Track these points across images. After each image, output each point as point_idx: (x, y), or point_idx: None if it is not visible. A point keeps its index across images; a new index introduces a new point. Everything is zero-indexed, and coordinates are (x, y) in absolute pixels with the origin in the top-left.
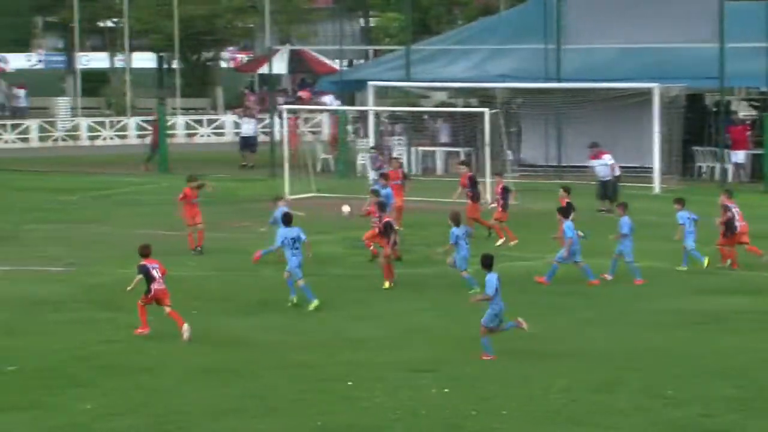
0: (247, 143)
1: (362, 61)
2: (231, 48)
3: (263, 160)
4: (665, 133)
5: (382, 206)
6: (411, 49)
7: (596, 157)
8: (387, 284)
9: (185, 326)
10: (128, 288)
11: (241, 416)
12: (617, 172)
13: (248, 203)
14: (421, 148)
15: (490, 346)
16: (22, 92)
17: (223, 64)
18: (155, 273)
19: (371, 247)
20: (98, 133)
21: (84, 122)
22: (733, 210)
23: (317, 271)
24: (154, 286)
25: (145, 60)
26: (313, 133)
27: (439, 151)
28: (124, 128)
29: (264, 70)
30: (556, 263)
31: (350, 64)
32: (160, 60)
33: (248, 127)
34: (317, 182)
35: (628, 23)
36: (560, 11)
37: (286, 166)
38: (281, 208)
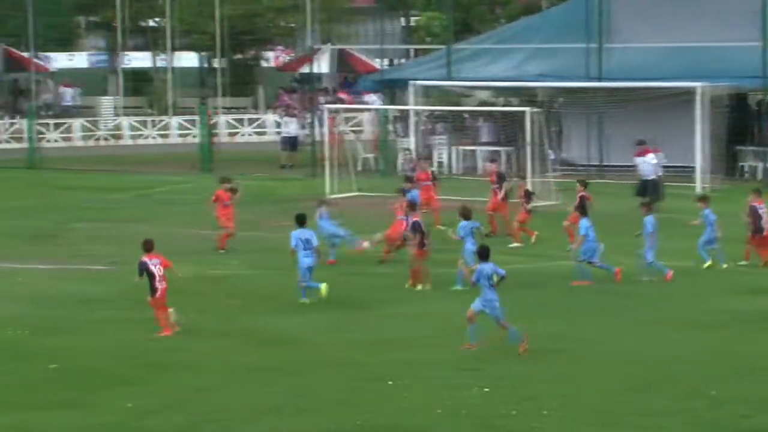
0: (289, 143)
1: (403, 60)
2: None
3: (304, 160)
4: (708, 133)
5: (412, 206)
6: (452, 48)
7: (641, 154)
8: (419, 286)
9: (171, 311)
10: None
11: (282, 415)
12: (659, 173)
13: (288, 203)
14: (462, 148)
15: (474, 335)
16: (69, 91)
17: (265, 64)
18: (154, 269)
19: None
20: (140, 132)
21: (126, 121)
22: (761, 211)
23: (360, 270)
24: (158, 285)
25: (187, 59)
26: (355, 132)
27: (480, 150)
28: (166, 127)
29: (305, 69)
30: (578, 264)
31: (391, 63)
32: (202, 59)
33: (290, 126)
34: (358, 181)
35: (671, 22)
36: (602, 10)
37: (327, 165)
38: (323, 212)
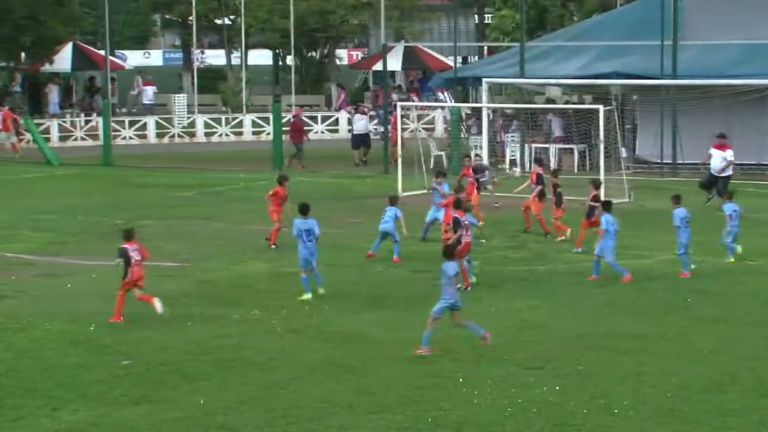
0: (360, 140)
1: (476, 58)
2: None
3: (377, 156)
4: None
5: (457, 203)
6: (525, 46)
7: (720, 148)
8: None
9: (156, 301)
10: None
11: (352, 412)
12: (730, 171)
13: (361, 200)
14: (534, 145)
15: (428, 342)
16: (150, 89)
17: (338, 61)
18: (134, 255)
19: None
20: (214, 130)
21: (200, 119)
22: None
23: (429, 267)
24: (132, 269)
25: (261, 57)
26: (427, 130)
27: (553, 147)
28: (239, 125)
29: (378, 67)
30: (596, 260)
31: (465, 60)
32: (275, 57)
33: (361, 123)
34: (430, 179)
35: (746, 19)
36: (677, 7)
37: (400, 162)
38: (392, 209)
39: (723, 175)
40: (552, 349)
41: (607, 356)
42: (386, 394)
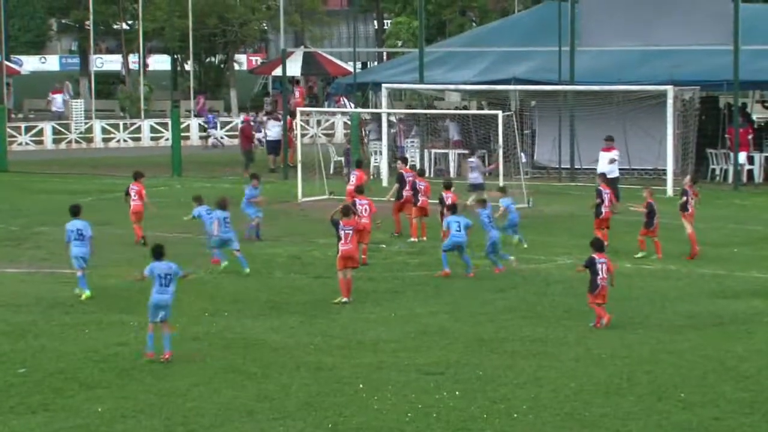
0: (274, 146)
1: (376, 63)
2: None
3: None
4: (680, 136)
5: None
6: (424, 51)
7: (607, 150)
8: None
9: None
10: None
11: (252, 419)
12: (616, 173)
13: None
14: (434, 150)
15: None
16: (59, 97)
17: (237, 67)
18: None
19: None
20: (112, 136)
21: (98, 124)
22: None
23: (330, 272)
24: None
25: (159, 62)
26: (327, 135)
27: (453, 153)
28: (137, 130)
29: (278, 72)
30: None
31: (364, 66)
32: (174, 62)
33: (275, 130)
34: (330, 184)
35: (643, 26)
36: (574, 13)
37: (299, 168)
38: (200, 208)
39: (613, 176)
40: (452, 354)
41: (507, 361)
42: (286, 400)
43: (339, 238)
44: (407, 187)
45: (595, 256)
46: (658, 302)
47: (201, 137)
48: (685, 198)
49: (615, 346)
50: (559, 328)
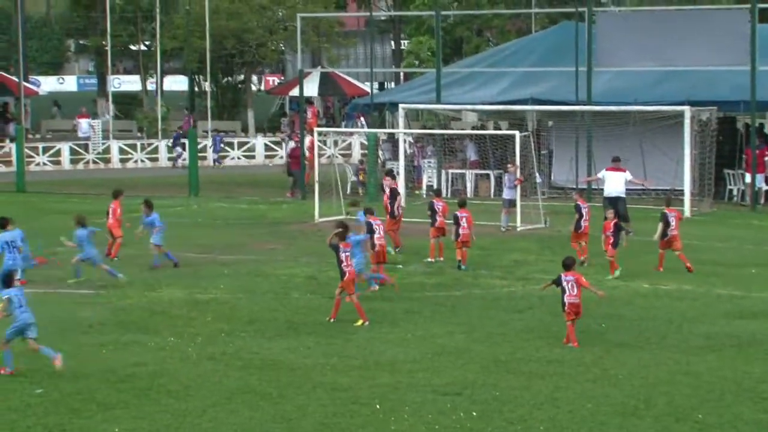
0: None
1: (393, 84)
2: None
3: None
4: (697, 156)
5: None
6: (442, 72)
7: (615, 170)
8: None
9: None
10: None
11: None
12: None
13: (277, 226)
14: (451, 171)
15: (11, 360)
16: (84, 122)
17: (254, 87)
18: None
19: None
20: (129, 156)
21: (115, 145)
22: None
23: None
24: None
25: (176, 83)
26: (344, 155)
27: (469, 173)
28: (155, 151)
29: (295, 92)
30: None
31: (381, 86)
32: (191, 82)
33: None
34: (346, 204)
35: (660, 46)
36: (591, 33)
37: (317, 187)
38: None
39: (620, 196)
40: (469, 375)
41: (524, 381)
42: (303, 420)
43: (340, 262)
44: (384, 198)
45: (561, 274)
46: (675, 323)
47: (169, 158)
48: (662, 226)
49: (632, 366)
50: (575, 349)
